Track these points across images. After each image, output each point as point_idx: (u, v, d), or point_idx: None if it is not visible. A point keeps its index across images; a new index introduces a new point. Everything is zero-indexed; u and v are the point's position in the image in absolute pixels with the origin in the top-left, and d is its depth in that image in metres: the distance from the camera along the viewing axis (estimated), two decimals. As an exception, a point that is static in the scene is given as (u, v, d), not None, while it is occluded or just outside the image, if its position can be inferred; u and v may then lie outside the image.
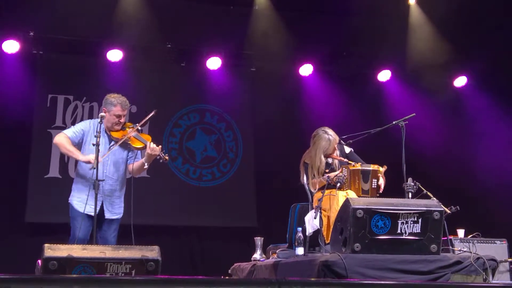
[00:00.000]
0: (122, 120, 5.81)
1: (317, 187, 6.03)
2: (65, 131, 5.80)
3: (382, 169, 5.96)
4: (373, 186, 5.91)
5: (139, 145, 5.74)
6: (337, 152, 6.19)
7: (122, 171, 5.85)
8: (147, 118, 5.88)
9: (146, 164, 5.72)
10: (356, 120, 8.60)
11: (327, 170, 6.07)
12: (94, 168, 5.35)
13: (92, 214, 5.44)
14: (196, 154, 9.00)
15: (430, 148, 9.18)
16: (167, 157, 5.73)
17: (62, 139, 5.70)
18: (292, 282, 2.75)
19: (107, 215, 5.72)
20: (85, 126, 5.83)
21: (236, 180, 9.02)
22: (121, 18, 8.37)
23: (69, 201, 5.76)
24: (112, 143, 5.78)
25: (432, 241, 5.01)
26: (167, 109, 8.78)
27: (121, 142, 5.71)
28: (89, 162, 5.50)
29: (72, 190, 5.80)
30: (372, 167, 5.96)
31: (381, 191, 5.96)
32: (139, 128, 5.84)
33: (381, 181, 5.95)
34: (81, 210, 5.58)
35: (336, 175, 5.85)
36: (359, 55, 9.34)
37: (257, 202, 8.94)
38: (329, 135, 6.05)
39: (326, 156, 6.09)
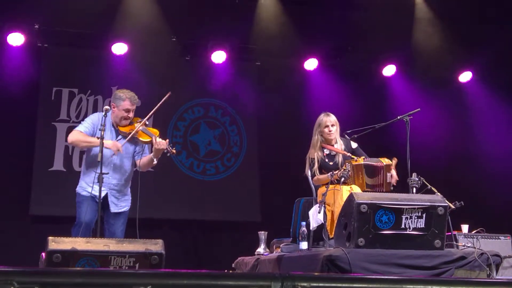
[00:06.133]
0: (131, 115, 5.77)
1: (321, 183, 6.04)
2: (77, 128, 5.75)
3: (393, 162, 5.97)
4: (387, 181, 5.91)
5: (147, 139, 5.72)
6: (343, 147, 6.18)
7: (129, 166, 5.82)
8: (162, 101, 5.83)
9: (155, 159, 5.69)
10: (361, 114, 8.57)
11: (331, 163, 6.08)
12: (115, 155, 5.57)
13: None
14: (200, 148, 8.99)
15: (434, 143, 9.17)
16: (174, 151, 5.71)
17: (77, 135, 5.68)
18: (295, 276, 2.73)
19: (113, 209, 5.71)
20: (93, 119, 5.79)
21: (240, 174, 9.00)
22: (126, 11, 8.38)
23: (76, 191, 5.75)
24: (119, 137, 5.77)
25: (436, 236, 5.00)
26: (171, 102, 8.70)
27: (130, 137, 5.70)
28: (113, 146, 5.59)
29: (79, 182, 5.79)
30: (384, 161, 5.95)
31: (395, 184, 5.96)
32: (147, 122, 5.82)
33: (394, 174, 5.95)
34: (87, 195, 5.59)
35: (340, 171, 5.85)
36: (364, 50, 9.31)
37: (261, 196, 8.92)
38: (326, 112, 6.18)
39: (325, 137, 6.11)
